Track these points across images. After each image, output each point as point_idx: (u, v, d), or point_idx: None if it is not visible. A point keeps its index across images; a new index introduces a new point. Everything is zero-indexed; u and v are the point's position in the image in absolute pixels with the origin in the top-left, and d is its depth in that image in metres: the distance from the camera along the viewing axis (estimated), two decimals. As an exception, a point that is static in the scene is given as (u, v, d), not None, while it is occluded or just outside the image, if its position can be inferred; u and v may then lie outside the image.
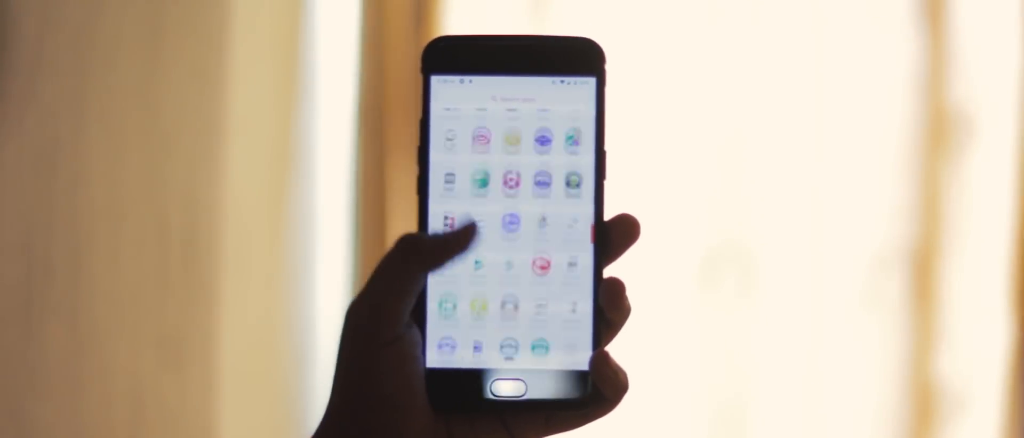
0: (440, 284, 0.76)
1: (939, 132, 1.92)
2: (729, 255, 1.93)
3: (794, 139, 1.91)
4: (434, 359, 0.76)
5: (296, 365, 1.85)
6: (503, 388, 0.76)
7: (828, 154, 1.92)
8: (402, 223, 1.82)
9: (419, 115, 0.77)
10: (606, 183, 0.77)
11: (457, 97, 0.77)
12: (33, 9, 1.22)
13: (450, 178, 0.77)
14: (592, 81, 0.77)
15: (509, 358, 0.76)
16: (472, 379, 0.76)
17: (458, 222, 0.76)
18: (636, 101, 1.89)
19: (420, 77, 0.78)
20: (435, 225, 0.77)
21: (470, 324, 0.77)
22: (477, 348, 0.77)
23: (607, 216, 0.77)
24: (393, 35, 1.83)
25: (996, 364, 1.93)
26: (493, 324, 0.77)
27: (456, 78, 0.77)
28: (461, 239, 0.74)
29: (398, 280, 0.73)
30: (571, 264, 0.76)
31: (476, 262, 0.76)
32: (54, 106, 1.26)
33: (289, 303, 1.84)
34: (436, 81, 0.77)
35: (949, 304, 1.93)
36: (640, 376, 1.88)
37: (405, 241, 0.74)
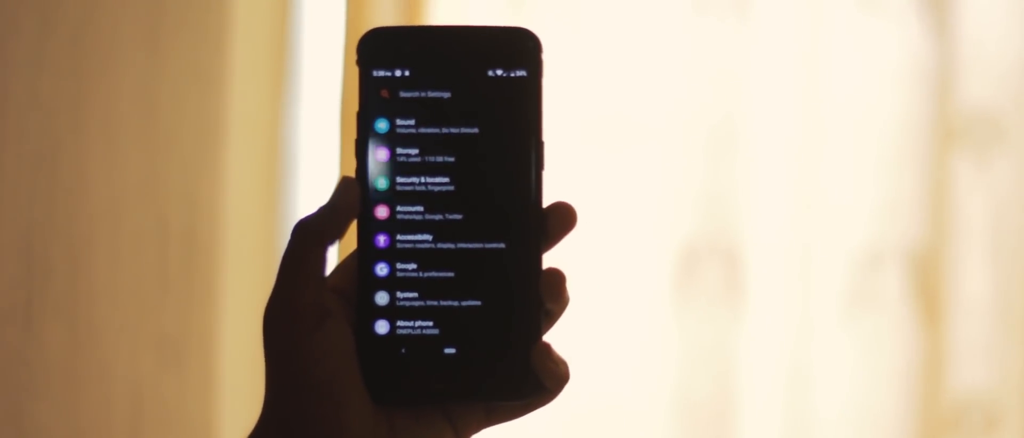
0: (375, 279, 0.77)
1: (949, 126, 1.88)
2: (712, 252, 1.88)
3: (788, 130, 1.88)
4: (370, 352, 0.76)
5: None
6: (443, 381, 0.76)
7: (827, 146, 1.89)
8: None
9: (356, 108, 0.78)
10: (544, 173, 0.77)
11: (393, 89, 0.77)
12: (33, 9, 1.22)
13: (387, 169, 0.77)
14: (529, 71, 0.77)
15: (449, 349, 0.76)
16: (411, 372, 0.76)
17: (336, 185, 0.77)
18: (619, 91, 1.86)
19: (356, 69, 0.78)
20: (372, 214, 0.77)
21: (407, 315, 0.77)
22: (415, 340, 0.77)
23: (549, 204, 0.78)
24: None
25: (1016, 377, 1.88)
26: (430, 314, 0.77)
27: (392, 70, 0.77)
28: (344, 198, 0.76)
29: (299, 264, 0.74)
30: (510, 253, 0.77)
31: (415, 251, 0.77)
32: (54, 106, 1.26)
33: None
34: (372, 73, 0.77)
35: (959, 311, 1.88)
36: (613, 384, 1.84)
37: (296, 226, 0.75)
